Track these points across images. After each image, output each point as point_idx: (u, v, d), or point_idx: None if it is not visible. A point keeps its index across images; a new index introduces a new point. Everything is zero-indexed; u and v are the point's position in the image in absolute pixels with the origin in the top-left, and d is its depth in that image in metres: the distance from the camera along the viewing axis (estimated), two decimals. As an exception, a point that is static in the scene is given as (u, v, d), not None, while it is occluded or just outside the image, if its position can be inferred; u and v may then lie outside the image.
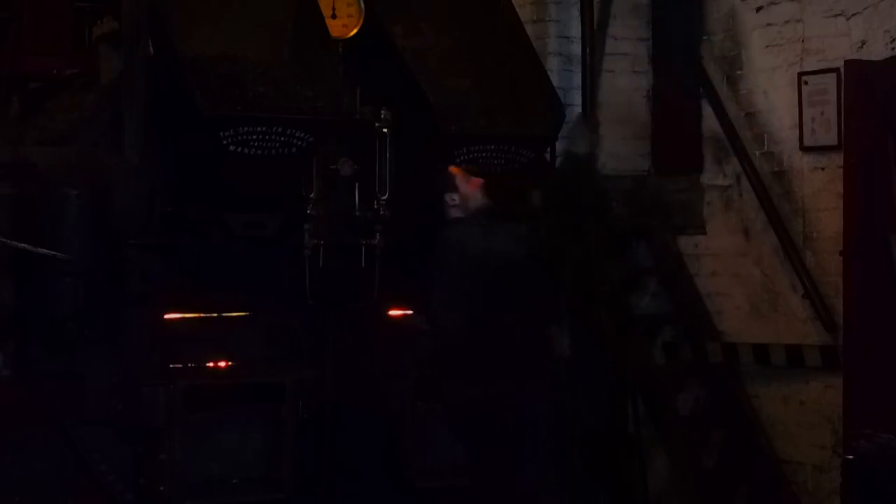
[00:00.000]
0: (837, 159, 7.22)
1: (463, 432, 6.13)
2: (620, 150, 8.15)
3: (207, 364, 6.31)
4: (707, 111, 8.03)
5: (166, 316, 6.22)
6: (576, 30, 8.00)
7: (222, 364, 6.34)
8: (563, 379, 6.85)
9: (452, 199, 6.22)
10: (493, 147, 6.70)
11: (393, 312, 6.72)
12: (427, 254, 6.13)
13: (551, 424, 6.29)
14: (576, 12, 8.01)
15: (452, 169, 6.34)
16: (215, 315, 6.39)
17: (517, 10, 7.40)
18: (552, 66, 7.92)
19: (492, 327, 6.04)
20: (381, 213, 6.56)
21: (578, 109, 7.84)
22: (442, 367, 6.14)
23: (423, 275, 6.21)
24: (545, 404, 6.26)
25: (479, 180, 6.29)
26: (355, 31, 6.85)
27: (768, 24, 7.72)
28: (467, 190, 6.25)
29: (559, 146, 7.40)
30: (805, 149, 7.50)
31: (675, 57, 8.20)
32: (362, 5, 6.86)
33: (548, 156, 7.14)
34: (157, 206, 6.21)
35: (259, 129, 6.00)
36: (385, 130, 6.57)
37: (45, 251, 5.87)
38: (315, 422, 6.34)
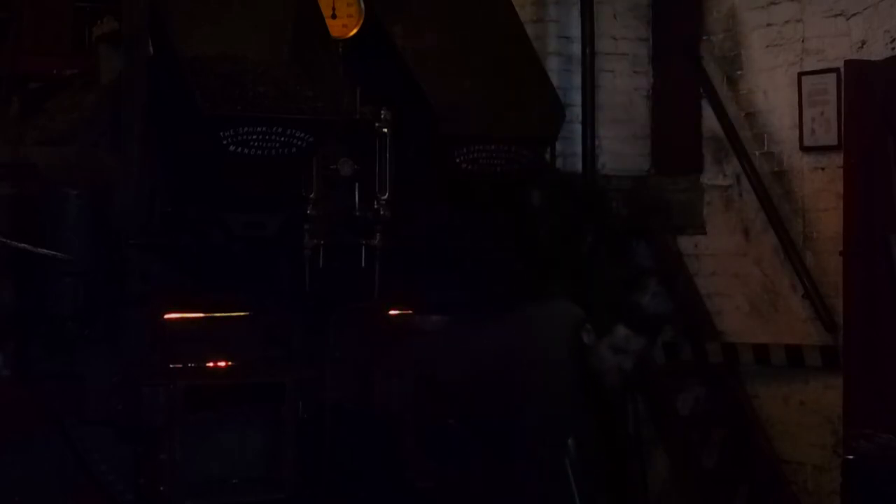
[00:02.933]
0: (837, 159, 7.23)
1: (461, 433, 6.13)
2: (620, 150, 8.16)
3: (207, 364, 6.30)
4: (707, 111, 8.04)
5: (166, 316, 6.21)
6: (576, 30, 8.01)
7: (222, 364, 6.34)
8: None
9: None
10: (493, 147, 6.69)
11: (393, 312, 6.72)
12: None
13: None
14: (576, 12, 8.02)
15: None
16: (215, 315, 6.39)
17: (517, 10, 7.40)
18: (552, 66, 7.92)
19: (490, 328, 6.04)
20: (381, 213, 6.56)
21: (578, 109, 7.84)
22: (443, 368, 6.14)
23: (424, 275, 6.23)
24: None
25: None
26: (355, 31, 6.85)
27: (768, 24, 7.73)
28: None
29: (559, 146, 7.41)
30: (805, 149, 7.51)
31: (675, 57, 8.20)
32: (362, 5, 6.86)
33: (548, 156, 7.14)
34: (157, 206, 6.20)
35: (259, 129, 5.99)
36: (385, 130, 6.57)
37: (45, 251, 5.86)
38: (315, 422, 6.34)
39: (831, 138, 7.33)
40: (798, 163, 7.57)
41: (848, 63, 7.15)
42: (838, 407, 7.12)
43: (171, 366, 6.15)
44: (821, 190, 7.43)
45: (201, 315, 6.35)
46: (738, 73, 7.92)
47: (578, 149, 7.87)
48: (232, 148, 5.97)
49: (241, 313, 6.42)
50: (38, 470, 6.00)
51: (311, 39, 6.40)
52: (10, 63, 6.94)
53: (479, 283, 6.52)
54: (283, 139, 6.05)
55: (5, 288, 6.00)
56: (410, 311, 6.71)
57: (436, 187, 6.68)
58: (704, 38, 8.09)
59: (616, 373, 5.87)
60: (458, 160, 6.59)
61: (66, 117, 6.69)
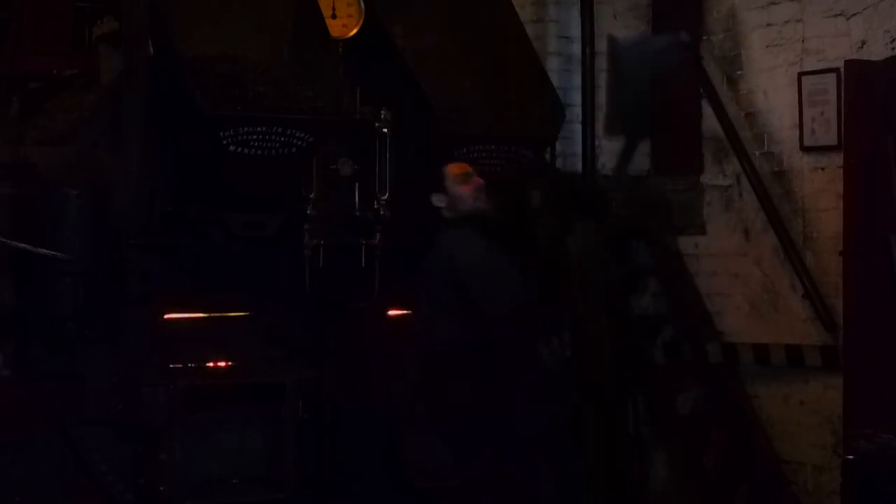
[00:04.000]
0: (837, 159, 7.22)
1: (461, 435, 6.13)
2: (621, 149, 8.15)
3: (207, 364, 6.31)
4: (707, 111, 8.02)
5: (166, 316, 6.22)
6: (576, 30, 8.00)
7: (222, 364, 6.35)
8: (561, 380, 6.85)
9: (439, 200, 6.22)
10: (493, 147, 6.71)
11: (393, 312, 6.73)
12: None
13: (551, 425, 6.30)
14: (576, 12, 8.01)
15: (454, 169, 6.30)
16: (215, 315, 6.39)
17: (517, 10, 7.40)
18: (552, 66, 7.92)
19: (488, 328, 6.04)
20: (381, 213, 6.56)
21: (578, 109, 7.84)
22: (436, 369, 6.14)
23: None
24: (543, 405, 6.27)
25: (476, 182, 6.26)
26: (355, 31, 6.86)
27: (768, 24, 7.72)
28: (458, 191, 6.24)
29: (559, 146, 7.41)
30: (805, 149, 7.50)
31: (676, 57, 8.20)
32: (362, 5, 6.87)
33: (548, 156, 7.14)
34: (157, 206, 6.21)
35: (259, 129, 6.00)
36: (385, 130, 6.57)
37: (45, 251, 5.87)
38: (315, 422, 6.34)
39: (831, 138, 7.32)
40: (798, 163, 7.56)
41: (848, 63, 7.15)
42: (838, 407, 7.11)
43: (171, 366, 6.16)
44: (821, 190, 7.43)
45: (201, 315, 6.36)
46: (738, 73, 7.91)
47: (578, 149, 7.86)
48: (232, 148, 5.97)
49: (241, 313, 6.43)
50: (38, 470, 6.01)
51: (311, 39, 6.40)
52: (10, 63, 6.94)
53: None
54: (283, 139, 6.06)
55: (5, 288, 6.01)
56: (410, 311, 6.71)
57: (436, 187, 6.68)
58: (704, 38, 8.08)
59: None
60: (457, 160, 6.58)
61: (66, 117, 6.70)
